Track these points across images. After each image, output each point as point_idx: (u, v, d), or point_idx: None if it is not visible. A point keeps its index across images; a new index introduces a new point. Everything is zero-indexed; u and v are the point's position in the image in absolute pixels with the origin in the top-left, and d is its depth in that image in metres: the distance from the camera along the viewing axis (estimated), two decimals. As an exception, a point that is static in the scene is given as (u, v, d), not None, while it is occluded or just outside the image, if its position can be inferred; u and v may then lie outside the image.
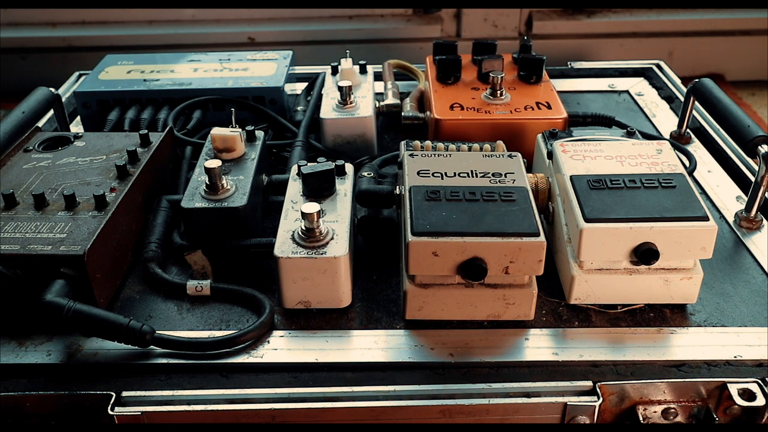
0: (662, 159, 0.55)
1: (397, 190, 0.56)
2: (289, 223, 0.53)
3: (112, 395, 0.45)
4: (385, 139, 0.78)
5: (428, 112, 0.73)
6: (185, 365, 0.48)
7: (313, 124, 0.74)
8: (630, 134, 0.65)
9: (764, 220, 0.63)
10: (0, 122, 0.65)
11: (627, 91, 0.89)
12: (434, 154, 0.56)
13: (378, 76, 0.85)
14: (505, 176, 0.53)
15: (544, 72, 0.75)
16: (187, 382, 0.47)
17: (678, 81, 0.88)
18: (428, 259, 0.47)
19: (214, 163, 0.55)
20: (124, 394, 0.46)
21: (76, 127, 0.80)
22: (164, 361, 0.48)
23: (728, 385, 0.46)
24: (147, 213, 0.60)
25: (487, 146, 0.60)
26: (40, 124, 0.73)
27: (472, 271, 0.47)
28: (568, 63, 0.95)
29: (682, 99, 0.79)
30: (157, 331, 0.48)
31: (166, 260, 0.58)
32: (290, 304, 0.52)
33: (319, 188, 0.55)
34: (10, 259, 0.49)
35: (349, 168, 0.60)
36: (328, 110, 0.70)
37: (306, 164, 0.56)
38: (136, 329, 0.47)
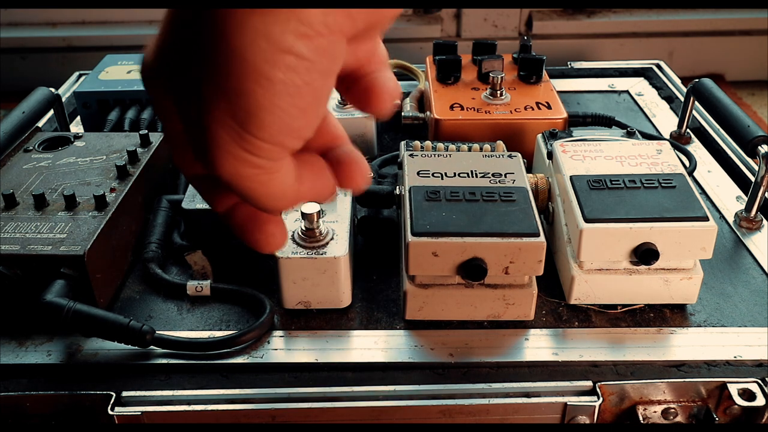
0: (662, 159, 0.55)
1: (397, 190, 0.56)
2: (289, 223, 0.53)
3: (112, 395, 0.45)
4: (385, 139, 0.78)
5: (428, 112, 0.73)
6: (185, 365, 0.48)
7: (313, 124, 0.74)
8: (630, 134, 0.65)
9: (764, 220, 0.63)
10: (0, 122, 0.65)
11: (627, 91, 0.89)
12: (434, 155, 0.56)
13: (378, 76, 0.85)
14: (505, 176, 0.53)
15: (544, 72, 0.75)
16: (187, 382, 0.47)
17: (678, 81, 0.88)
18: (428, 259, 0.47)
19: (214, 163, 0.55)
20: (124, 394, 0.46)
21: (76, 127, 0.80)
22: (164, 361, 0.48)
23: (728, 385, 0.46)
24: (147, 213, 0.60)
25: (487, 146, 0.60)
26: (40, 124, 0.73)
27: (472, 271, 0.47)
28: (568, 63, 0.95)
29: (682, 99, 0.79)
30: (157, 332, 0.48)
31: (166, 260, 0.58)
32: (290, 305, 0.52)
33: (319, 188, 0.55)
34: (10, 259, 0.49)
35: (349, 168, 0.60)
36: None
37: (306, 164, 0.56)
38: (136, 329, 0.47)
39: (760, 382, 0.46)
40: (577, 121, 0.74)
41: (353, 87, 0.28)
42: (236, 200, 0.28)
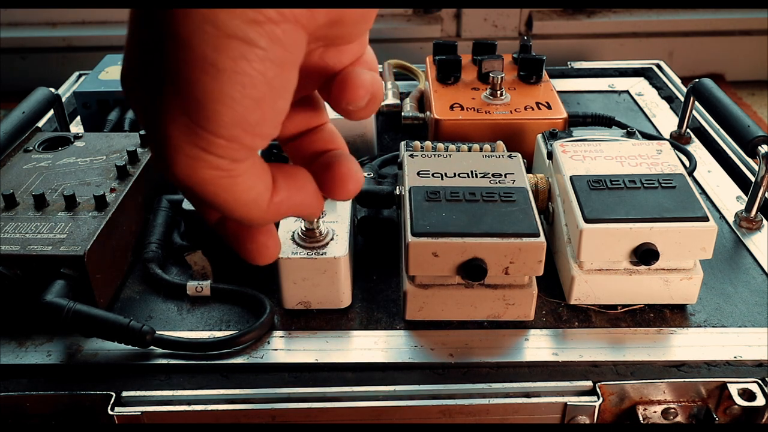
0: (662, 159, 0.55)
1: (397, 190, 0.56)
2: (289, 223, 0.53)
3: (112, 395, 0.46)
4: (385, 139, 0.78)
5: (428, 112, 0.73)
6: (185, 365, 0.48)
7: (313, 125, 0.73)
8: (630, 134, 0.65)
9: (764, 220, 0.63)
10: (0, 122, 0.65)
11: (627, 91, 0.89)
12: (434, 155, 0.56)
13: (378, 76, 0.85)
14: (505, 176, 0.53)
15: (544, 72, 0.75)
16: (187, 382, 0.47)
17: (678, 81, 0.88)
18: (428, 259, 0.47)
19: (214, 164, 0.55)
20: (124, 394, 0.46)
21: (76, 127, 0.80)
22: (164, 361, 0.48)
23: (728, 385, 0.46)
24: (147, 213, 0.60)
25: (487, 146, 0.60)
26: (40, 124, 0.73)
27: (472, 271, 0.47)
28: (568, 63, 0.95)
29: (682, 99, 0.79)
30: (157, 332, 0.48)
31: (166, 260, 0.58)
32: (290, 305, 0.52)
33: (319, 188, 0.55)
34: (10, 260, 0.49)
35: (349, 168, 0.60)
36: (328, 110, 0.70)
37: (306, 164, 0.56)
38: (136, 330, 0.47)
39: (760, 382, 0.46)
40: (577, 121, 0.74)
41: (331, 84, 0.27)
42: None
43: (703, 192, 0.67)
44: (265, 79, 0.21)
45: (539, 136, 0.63)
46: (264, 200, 0.25)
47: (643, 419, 0.47)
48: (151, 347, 0.48)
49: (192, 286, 0.54)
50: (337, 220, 0.53)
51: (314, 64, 0.26)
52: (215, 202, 0.24)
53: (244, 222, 0.26)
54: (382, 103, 0.77)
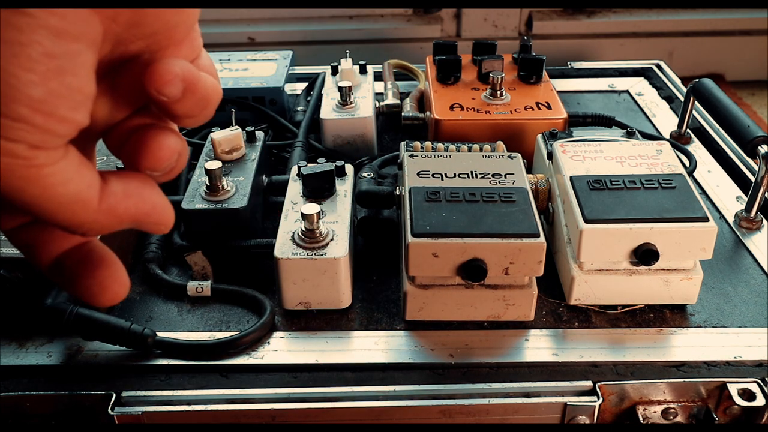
0: (662, 159, 0.55)
1: (397, 190, 0.56)
2: (289, 224, 0.53)
3: (112, 395, 0.46)
4: (385, 139, 0.78)
5: (428, 113, 0.73)
6: (185, 365, 0.48)
7: (313, 125, 0.74)
8: (630, 134, 0.65)
9: (764, 220, 0.63)
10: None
11: (627, 91, 0.89)
12: (434, 155, 0.56)
13: (378, 76, 0.85)
14: (505, 177, 0.53)
15: (544, 72, 0.75)
16: (187, 382, 0.47)
17: (678, 81, 0.88)
18: (428, 260, 0.47)
19: (215, 165, 0.55)
20: (124, 394, 0.46)
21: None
22: (164, 361, 0.48)
23: (728, 385, 0.46)
24: (147, 213, 0.60)
25: (487, 147, 0.60)
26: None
27: (472, 272, 0.47)
28: (568, 63, 0.95)
29: (682, 99, 0.79)
30: (158, 334, 0.48)
31: (167, 261, 0.58)
32: (290, 305, 0.52)
33: (319, 189, 0.55)
34: (11, 262, 0.49)
35: (349, 169, 0.60)
36: (328, 110, 0.70)
37: (306, 165, 0.56)
38: (137, 333, 0.47)
39: (760, 382, 0.46)
40: (577, 121, 0.74)
41: (131, 139, 0.25)
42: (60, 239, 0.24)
43: (703, 192, 0.67)
44: (44, 50, 0.20)
45: (539, 136, 0.63)
46: (90, 200, 0.22)
47: (643, 419, 0.47)
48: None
49: (192, 286, 0.54)
50: (337, 221, 0.53)
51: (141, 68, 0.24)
52: (21, 198, 0.21)
53: (71, 228, 0.23)
54: (382, 103, 0.77)
